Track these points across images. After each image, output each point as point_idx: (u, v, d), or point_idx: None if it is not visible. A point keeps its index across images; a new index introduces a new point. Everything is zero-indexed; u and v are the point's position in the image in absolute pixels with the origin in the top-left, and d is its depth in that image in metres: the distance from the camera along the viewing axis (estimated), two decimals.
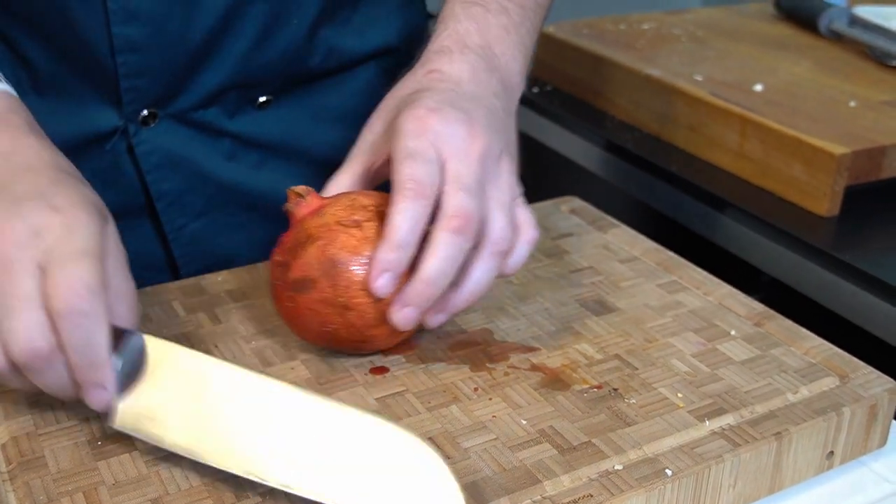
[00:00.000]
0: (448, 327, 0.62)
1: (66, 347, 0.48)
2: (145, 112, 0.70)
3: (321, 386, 0.57)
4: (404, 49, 0.81)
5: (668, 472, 0.50)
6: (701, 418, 0.54)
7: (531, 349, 0.61)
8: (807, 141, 0.84)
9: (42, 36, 0.68)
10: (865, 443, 0.58)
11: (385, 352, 0.60)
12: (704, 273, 0.70)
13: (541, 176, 1.13)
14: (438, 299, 0.55)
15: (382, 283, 0.53)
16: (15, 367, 0.49)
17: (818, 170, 0.83)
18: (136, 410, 0.50)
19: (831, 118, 0.89)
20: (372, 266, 0.53)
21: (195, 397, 0.50)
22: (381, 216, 0.55)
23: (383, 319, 0.55)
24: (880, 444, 0.59)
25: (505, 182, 0.57)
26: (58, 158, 0.54)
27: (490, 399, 0.56)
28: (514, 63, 0.65)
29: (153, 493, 0.48)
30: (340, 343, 0.57)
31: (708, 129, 0.94)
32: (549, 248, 0.73)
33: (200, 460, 0.49)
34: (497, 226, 0.55)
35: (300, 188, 0.58)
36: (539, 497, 0.49)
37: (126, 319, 0.52)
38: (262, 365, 0.58)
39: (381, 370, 0.58)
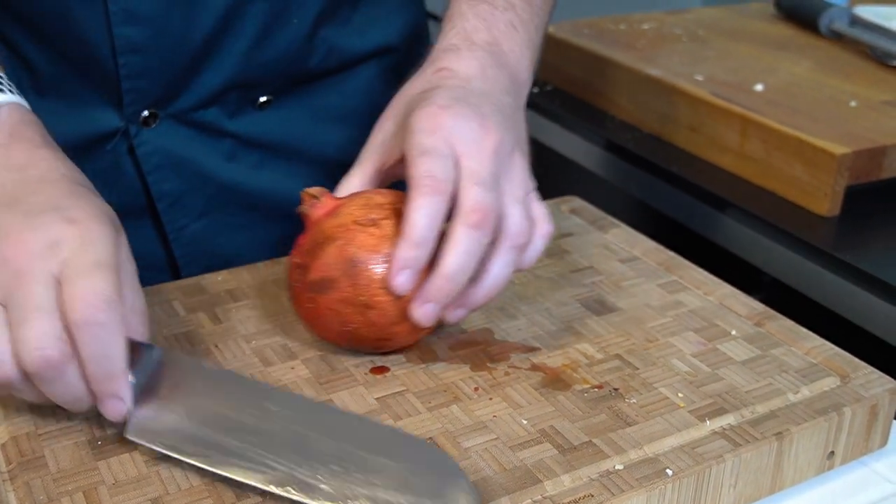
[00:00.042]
0: (448, 327, 0.62)
1: (84, 359, 0.48)
2: (146, 113, 0.70)
3: (321, 385, 0.57)
4: (404, 48, 0.81)
5: (669, 471, 0.50)
6: (702, 418, 0.54)
7: (532, 349, 0.61)
8: (807, 141, 0.84)
9: (42, 37, 0.68)
10: (866, 443, 0.58)
11: (385, 351, 0.60)
12: (705, 273, 0.70)
13: (541, 176, 1.12)
14: (458, 295, 0.55)
15: (402, 281, 0.54)
16: (26, 376, 0.49)
17: (819, 170, 0.83)
18: (149, 421, 0.50)
19: (832, 118, 0.89)
20: (391, 264, 0.54)
21: (208, 408, 0.51)
22: (398, 214, 0.56)
23: (404, 316, 0.55)
24: (881, 445, 0.59)
25: (518, 176, 0.57)
26: (72, 171, 0.55)
27: (490, 399, 0.56)
28: (522, 59, 0.65)
29: (153, 492, 0.48)
30: (362, 342, 0.57)
31: (708, 128, 0.94)
32: (550, 248, 0.72)
33: (215, 471, 0.49)
34: (514, 220, 0.55)
35: (314, 190, 0.58)
36: (540, 497, 0.48)
37: (139, 331, 0.52)
38: (263, 364, 0.58)
39: (382, 370, 0.58)
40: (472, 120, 0.56)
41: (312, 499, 0.47)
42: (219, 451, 0.49)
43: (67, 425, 0.53)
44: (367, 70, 0.78)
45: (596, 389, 0.57)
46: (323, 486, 0.47)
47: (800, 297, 0.81)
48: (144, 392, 0.51)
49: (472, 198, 0.53)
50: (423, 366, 0.59)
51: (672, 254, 0.72)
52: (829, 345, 0.62)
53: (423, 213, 0.53)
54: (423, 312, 0.55)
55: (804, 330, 0.63)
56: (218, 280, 0.68)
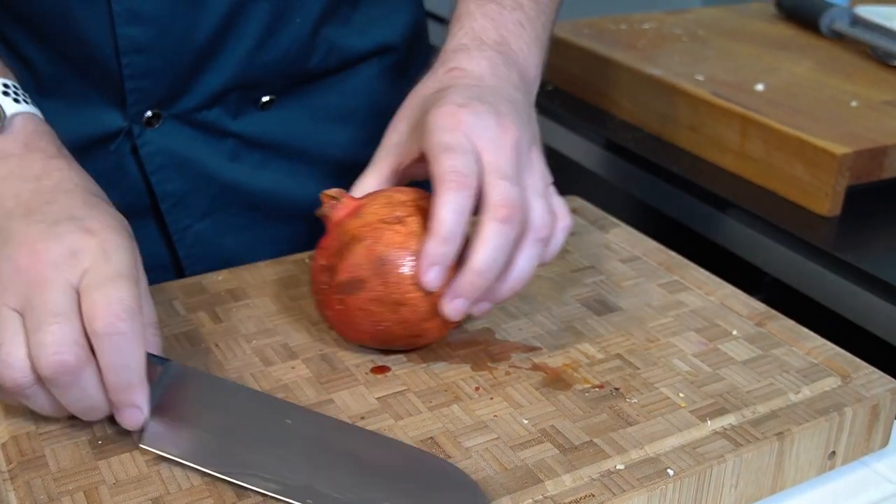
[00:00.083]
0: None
1: (104, 368, 0.49)
2: (149, 113, 0.70)
3: (322, 385, 0.57)
4: (404, 47, 0.81)
5: (670, 471, 0.50)
6: (703, 418, 0.54)
7: (532, 348, 0.60)
8: (808, 141, 0.83)
9: (44, 37, 0.68)
10: (867, 443, 0.58)
11: (385, 351, 0.60)
12: (706, 273, 0.70)
13: None
14: (487, 289, 0.55)
15: (432, 277, 0.54)
16: (42, 382, 0.49)
17: (820, 170, 0.83)
18: (165, 432, 0.51)
19: (833, 118, 0.89)
20: (421, 260, 0.54)
21: (224, 421, 0.51)
22: (421, 210, 0.56)
23: (435, 312, 0.55)
24: (882, 445, 0.59)
25: (538, 170, 0.58)
26: (86, 181, 0.55)
27: (491, 398, 0.56)
28: (531, 57, 0.65)
29: (154, 492, 0.48)
30: (393, 340, 0.57)
31: (709, 128, 0.94)
32: None
33: (227, 478, 0.49)
34: (537, 213, 0.55)
35: (333, 191, 0.58)
36: (541, 497, 0.48)
37: (153, 342, 0.53)
38: (263, 364, 0.58)
39: (383, 369, 0.58)
40: (490, 117, 0.56)
41: None
42: (234, 463, 0.49)
43: (68, 424, 0.53)
44: (367, 69, 0.78)
45: (597, 389, 0.57)
46: (340, 497, 0.47)
47: (801, 297, 0.81)
48: (161, 405, 0.51)
49: (500, 193, 0.54)
50: (423, 365, 0.59)
51: (673, 254, 0.72)
52: (830, 345, 0.62)
53: (450, 208, 0.53)
54: (453, 307, 0.55)
55: (805, 330, 0.63)
56: (218, 279, 0.68)
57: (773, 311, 0.65)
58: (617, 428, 0.53)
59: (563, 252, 0.72)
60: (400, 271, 0.55)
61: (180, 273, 0.76)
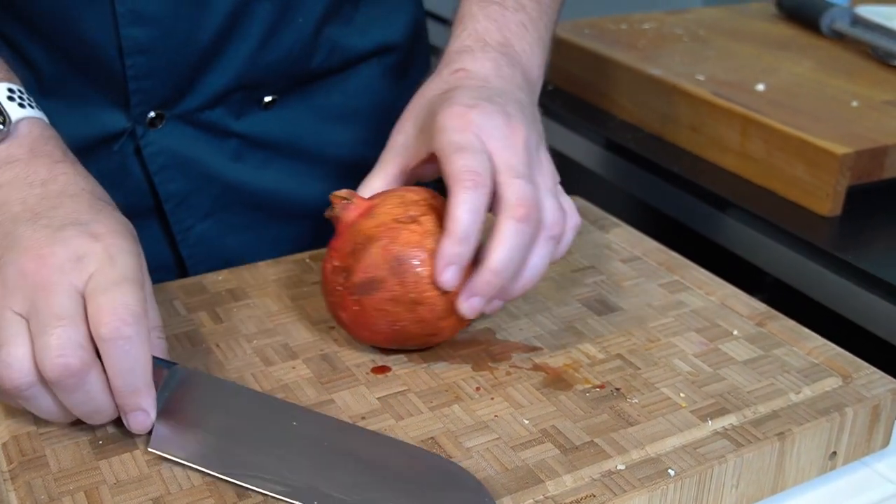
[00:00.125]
0: None
1: (111, 372, 0.49)
2: (152, 113, 0.70)
3: (323, 385, 0.57)
4: (405, 46, 0.81)
5: (671, 472, 0.50)
6: (703, 418, 0.54)
7: (533, 349, 0.60)
8: (809, 141, 0.83)
9: (47, 38, 0.68)
10: (868, 443, 0.58)
11: (386, 351, 0.60)
12: (707, 273, 0.70)
13: None
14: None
15: (449, 277, 0.54)
16: (47, 385, 0.49)
17: (820, 170, 0.83)
18: (172, 435, 0.51)
19: (834, 118, 0.89)
20: (437, 260, 0.54)
21: (231, 424, 0.52)
22: (433, 209, 0.56)
23: (451, 310, 0.56)
24: (883, 445, 0.59)
25: (548, 169, 0.58)
26: (92, 185, 0.56)
27: (492, 398, 0.56)
28: (533, 58, 0.66)
29: (155, 492, 0.48)
30: (409, 340, 0.57)
31: (710, 128, 0.93)
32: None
33: (233, 480, 0.49)
34: (549, 212, 0.56)
35: (343, 192, 0.58)
36: (541, 497, 0.48)
37: (158, 345, 0.53)
38: (264, 364, 0.58)
39: (383, 369, 0.58)
40: (499, 117, 0.57)
41: None
42: (241, 465, 0.49)
43: (68, 425, 0.53)
44: (368, 69, 0.78)
45: (598, 389, 0.57)
46: (345, 498, 0.48)
47: (801, 298, 0.81)
48: (168, 409, 0.51)
49: (516, 191, 0.54)
50: (424, 365, 0.59)
51: (674, 254, 0.72)
52: (830, 345, 0.62)
53: (466, 207, 0.53)
54: (469, 306, 0.55)
55: (806, 330, 0.63)
56: (219, 279, 0.68)
57: (774, 312, 0.65)
58: (618, 428, 0.53)
59: None
60: (417, 270, 0.55)
61: (183, 273, 0.76)
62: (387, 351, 0.60)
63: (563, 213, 0.57)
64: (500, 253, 0.53)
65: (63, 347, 0.47)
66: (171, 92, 0.70)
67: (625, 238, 0.75)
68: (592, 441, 0.52)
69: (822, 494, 0.56)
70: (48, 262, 0.49)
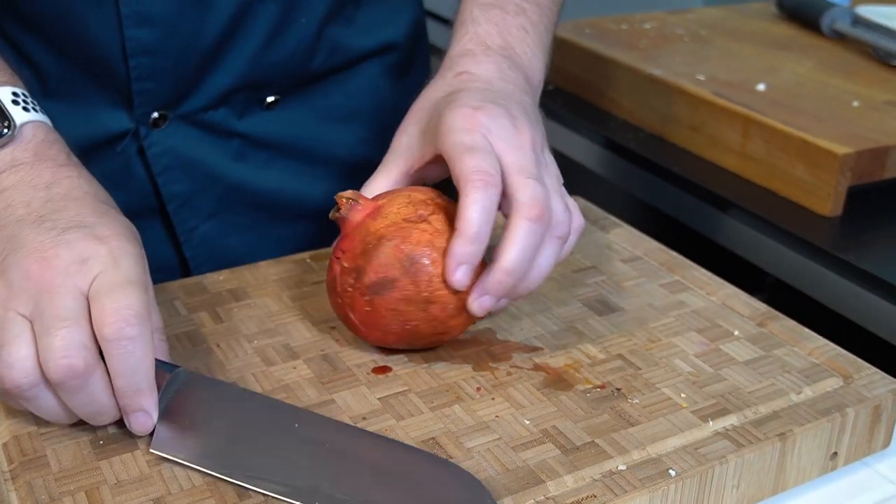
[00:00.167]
0: None
1: (113, 373, 0.49)
2: (156, 114, 0.70)
3: (323, 385, 0.57)
4: (406, 46, 0.81)
5: (672, 472, 0.50)
6: (704, 419, 0.54)
7: (534, 349, 0.60)
8: (810, 141, 0.83)
9: (51, 39, 0.68)
10: (869, 444, 0.58)
11: (387, 351, 0.60)
12: (707, 273, 0.70)
13: None
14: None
15: (461, 276, 0.54)
16: (50, 386, 0.49)
17: (821, 170, 0.83)
18: (174, 437, 0.51)
19: (834, 118, 0.89)
20: (449, 259, 0.54)
21: (233, 426, 0.52)
22: (441, 208, 0.57)
23: (462, 308, 0.56)
24: (884, 445, 0.59)
25: (553, 170, 0.59)
26: (96, 188, 0.56)
27: (493, 399, 0.56)
28: (535, 60, 0.66)
29: (155, 492, 0.48)
30: (420, 339, 0.57)
31: (711, 128, 0.93)
32: None
33: (235, 481, 0.49)
34: (558, 212, 0.56)
35: (348, 193, 0.58)
36: (542, 497, 0.48)
37: (159, 348, 0.53)
38: (265, 364, 0.58)
39: (384, 370, 0.58)
40: (505, 119, 0.57)
41: None
42: (243, 466, 0.49)
43: (69, 425, 0.53)
44: (370, 68, 0.79)
45: (598, 389, 0.57)
46: (348, 500, 0.48)
47: (802, 298, 0.81)
48: (170, 411, 0.52)
49: (529, 192, 0.54)
50: (425, 365, 0.59)
51: (674, 254, 0.72)
52: (831, 345, 0.62)
53: (477, 207, 0.53)
54: (479, 304, 0.55)
55: (807, 330, 0.63)
56: (219, 279, 0.68)
57: (775, 312, 0.65)
58: (618, 428, 0.53)
59: None
60: (429, 269, 0.55)
61: (186, 274, 0.76)
62: (388, 351, 0.60)
63: (569, 213, 0.57)
64: (514, 253, 0.53)
65: (67, 348, 0.48)
66: (175, 93, 0.70)
67: (626, 238, 0.75)
68: (593, 441, 0.52)
69: (822, 495, 0.56)
70: (53, 265, 0.49)
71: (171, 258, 0.76)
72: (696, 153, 0.96)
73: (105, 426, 0.53)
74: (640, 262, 0.71)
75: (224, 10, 0.67)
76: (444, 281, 0.55)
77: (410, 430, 0.53)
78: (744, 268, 0.85)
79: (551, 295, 0.66)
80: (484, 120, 0.56)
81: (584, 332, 0.62)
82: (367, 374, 0.58)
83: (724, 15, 1.23)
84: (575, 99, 1.11)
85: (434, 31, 0.91)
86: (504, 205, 0.55)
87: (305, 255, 0.71)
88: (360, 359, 0.59)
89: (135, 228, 0.55)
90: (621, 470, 0.50)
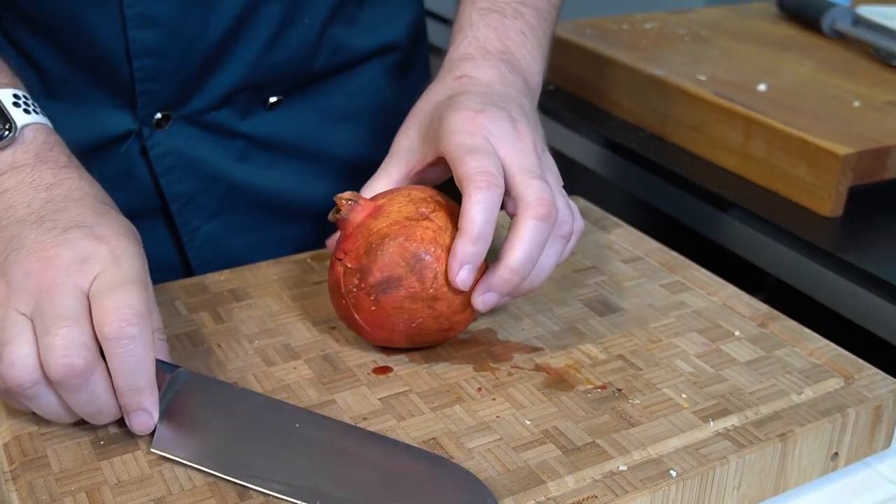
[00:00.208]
0: None
1: (114, 372, 0.49)
2: (159, 115, 0.70)
3: (324, 385, 0.57)
4: (407, 46, 0.81)
5: (673, 472, 0.50)
6: (705, 419, 0.54)
7: (535, 349, 0.60)
8: (811, 141, 0.83)
9: (55, 41, 0.68)
10: (870, 444, 0.58)
11: (388, 351, 0.60)
12: (708, 273, 0.70)
13: None
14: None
15: (464, 277, 0.54)
16: (50, 385, 0.49)
17: (822, 170, 0.83)
18: (175, 436, 0.51)
19: (835, 118, 0.89)
20: (452, 260, 0.54)
21: (234, 426, 0.52)
22: (442, 206, 0.57)
23: (468, 304, 0.56)
24: (885, 446, 0.59)
25: (555, 171, 0.59)
26: (96, 189, 0.56)
27: (494, 399, 0.56)
28: (533, 64, 0.66)
29: (156, 492, 0.48)
30: (425, 336, 0.57)
31: (711, 129, 0.93)
32: None
33: (236, 480, 0.49)
34: (561, 211, 0.56)
35: (347, 194, 0.58)
36: (543, 498, 0.48)
37: (159, 348, 0.53)
38: (265, 364, 0.58)
39: (385, 370, 0.58)
40: (506, 121, 0.57)
41: None
42: (244, 465, 0.49)
43: (70, 425, 0.53)
44: (371, 68, 0.79)
45: (599, 390, 0.56)
46: (350, 499, 0.48)
47: (803, 298, 0.81)
48: (171, 411, 0.52)
49: (535, 191, 0.54)
50: (426, 366, 0.59)
51: (675, 254, 0.72)
52: (832, 346, 0.61)
53: (480, 207, 0.53)
54: (483, 301, 0.56)
55: (808, 331, 0.63)
56: (220, 279, 0.68)
57: (776, 312, 0.65)
58: (619, 429, 0.53)
59: None
60: (435, 266, 0.55)
61: (189, 274, 0.76)
62: (388, 351, 0.60)
63: (571, 213, 0.57)
64: (521, 251, 0.54)
65: (68, 347, 0.48)
66: (178, 93, 0.70)
67: (626, 238, 0.75)
68: (594, 442, 0.52)
69: (823, 495, 0.56)
70: (53, 264, 0.50)
71: (173, 258, 0.76)
72: (697, 153, 0.96)
73: (106, 426, 0.53)
74: (640, 262, 0.71)
75: (228, 11, 0.67)
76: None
77: (411, 431, 0.53)
78: (744, 268, 0.85)
79: (552, 295, 0.66)
80: (485, 123, 0.56)
81: (585, 332, 0.62)
82: (368, 374, 0.58)
83: (725, 15, 1.23)
84: (575, 99, 1.11)
85: (434, 30, 0.91)
86: (508, 205, 0.56)
87: (306, 255, 0.71)
88: (361, 359, 0.59)
89: (135, 228, 0.55)
90: (622, 470, 0.50)
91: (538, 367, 0.59)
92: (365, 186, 0.62)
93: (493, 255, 0.56)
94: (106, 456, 0.51)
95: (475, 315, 0.58)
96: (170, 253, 0.76)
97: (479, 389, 0.56)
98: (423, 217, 0.56)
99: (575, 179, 1.09)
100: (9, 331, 0.49)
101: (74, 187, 0.55)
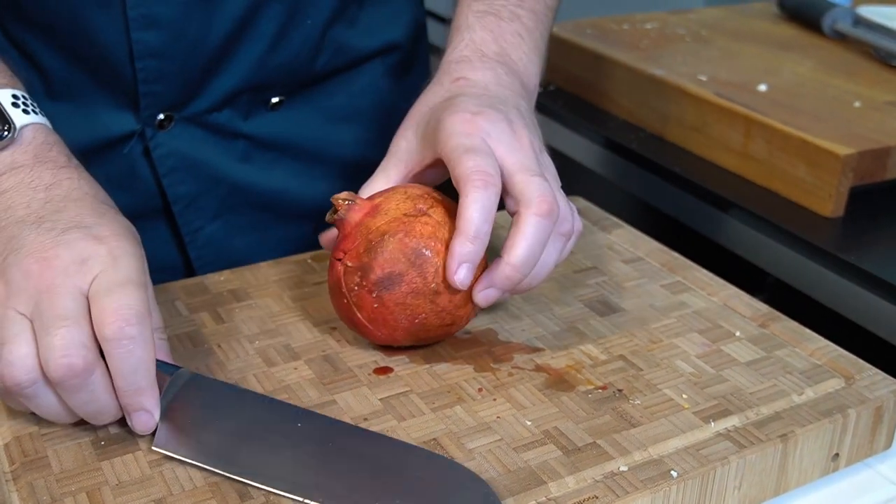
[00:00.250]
0: None
1: (114, 372, 0.49)
2: (161, 116, 0.70)
3: (325, 386, 0.56)
4: (407, 46, 0.81)
5: (674, 473, 0.50)
6: (706, 420, 0.54)
7: (535, 350, 0.60)
8: (811, 141, 0.83)
9: (58, 42, 0.68)
10: (871, 445, 0.58)
11: (388, 351, 0.60)
12: (709, 274, 0.70)
13: None
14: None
15: (463, 275, 0.55)
16: (50, 385, 0.49)
17: (823, 170, 0.83)
18: (176, 435, 0.51)
19: (836, 118, 0.89)
20: (450, 259, 0.55)
21: (235, 426, 0.52)
22: (438, 202, 0.57)
23: (469, 298, 0.57)
24: (886, 447, 0.59)
25: (552, 172, 0.59)
26: (95, 189, 0.56)
27: (494, 400, 0.56)
28: (530, 66, 0.67)
29: (157, 493, 0.48)
30: (428, 332, 0.58)
31: (712, 129, 0.93)
32: None
33: (238, 478, 0.49)
34: (562, 209, 0.56)
35: (344, 194, 0.58)
36: (544, 498, 0.48)
37: (160, 348, 0.53)
38: (266, 365, 0.58)
39: (385, 370, 0.58)
40: (503, 123, 0.58)
41: None
42: (245, 464, 0.49)
43: (71, 425, 0.53)
44: (372, 69, 0.79)
45: (600, 390, 0.56)
46: (351, 498, 0.48)
47: (804, 299, 0.81)
48: (172, 410, 0.52)
49: (537, 188, 0.55)
50: (426, 366, 0.59)
51: (676, 254, 0.72)
52: (833, 346, 0.61)
53: (477, 206, 0.54)
54: (484, 296, 0.56)
55: (808, 331, 0.63)
56: (220, 280, 0.68)
57: (777, 313, 0.65)
58: (620, 429, 0.53)
59: None
60: (435, 261, 0.55)
61: (191, 275, 0.76)
62: (389, 352, 0.59)
63: (571, 212, 0.58)
64: (523, 248, 0.54)
65: (67, 347, 0.48)
66: (181, 94, 0.70)
67: (626, 239, 0.75)
68: (595, 442, 0.52)
69: (824, 496, 0.56)
70: (52, 265, 0.50)
71: (175, 259, 0.76)
72: (697, 153, 0.96)
73: (106, 426, 0.53)
74: (640, 262, 0.71)
75: (231, 12, 0.68)
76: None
77: (412, 431, 0.53)
78: (745, 268, 0.85)
79: (552, 295, 0.66)
80: (483, 124, 0.57)
81: (586, 332, 0.62)
82: (369, 374, 0.58)
83: (726, 15, 1.23)
84: (575, 99, 1.11)
85: (434, 30, 0.91)
86: (509, 204, 0.56)
87: (306, 255, 0.71)
88: (362, 359, 0.59)
89: (134, 228, 0.55)
90: (623, 471, 0.50)
91: (539, 368, 0.58)
92: (363, 187, 0.62)
93: (492, 255, 0.56)
94: (106, 456, 0.51)
95: (476, 310, 0.59)
96: (172, 254, 0.76)
97: (480, 390, 0.56)
98: (422, 213, 0.56)
99: (575, 179, 1.09)
100: (8, 330, 0.49)
101: (73, 187, 0.55)
